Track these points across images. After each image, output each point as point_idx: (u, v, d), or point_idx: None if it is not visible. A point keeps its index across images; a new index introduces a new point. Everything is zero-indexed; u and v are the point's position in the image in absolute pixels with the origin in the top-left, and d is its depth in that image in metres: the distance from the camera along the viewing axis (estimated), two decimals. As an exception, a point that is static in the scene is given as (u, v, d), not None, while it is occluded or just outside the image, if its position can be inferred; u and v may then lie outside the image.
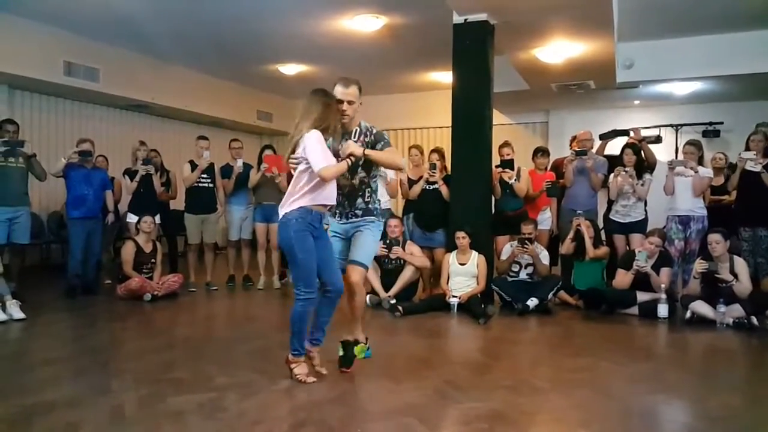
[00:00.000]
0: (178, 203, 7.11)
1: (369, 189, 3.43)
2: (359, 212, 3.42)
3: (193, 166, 6.35)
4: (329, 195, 3.19)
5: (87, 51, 7.49)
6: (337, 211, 3.45)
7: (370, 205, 3.42)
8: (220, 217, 6.68)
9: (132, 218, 6.28)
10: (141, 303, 5.63)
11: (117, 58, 7.87)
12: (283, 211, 3.15)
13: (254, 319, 5.20)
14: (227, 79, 9.76)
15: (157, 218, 6.29)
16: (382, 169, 6.01)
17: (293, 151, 3.16)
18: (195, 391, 3.10)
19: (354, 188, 3.41)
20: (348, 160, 3.21)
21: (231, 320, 5.39)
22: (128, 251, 5.91)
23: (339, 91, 3.31)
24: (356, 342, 3.55)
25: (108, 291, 6.23)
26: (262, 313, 5.48)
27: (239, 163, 6.49)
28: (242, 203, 6.64)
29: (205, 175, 6.35)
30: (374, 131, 3.40)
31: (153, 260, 6.04)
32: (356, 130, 3.39)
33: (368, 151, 3.28)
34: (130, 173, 6.43)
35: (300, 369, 3.24)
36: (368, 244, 3.39)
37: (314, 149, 3.06)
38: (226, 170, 6.57)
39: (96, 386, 3.18)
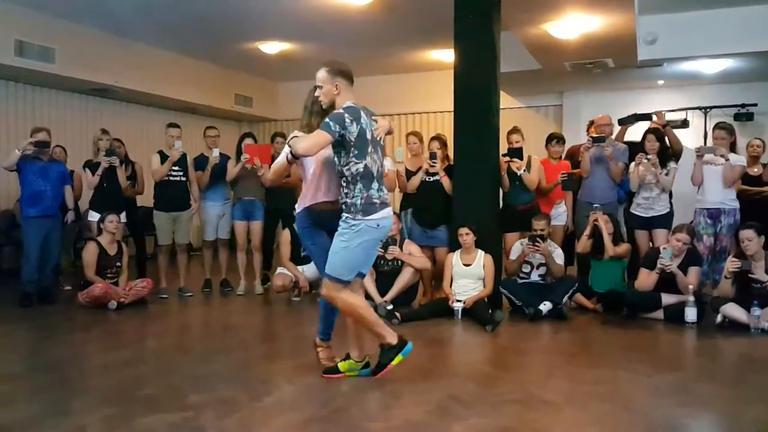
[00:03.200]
0: (146, 199, 7.10)
1: (345, 179, 3.37)
2: (342, 206, 3.44)
3: (163, 157, 6.33)
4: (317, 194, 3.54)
5: (41, 28, 7.44)
6: None
7: (347, 199, 3.36)
8: (194, 214, 6.66)
9: (94, 216, 6.24)
10: (105, 312, 5.60)
11: (75, 36, 7.83)
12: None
13: (233, 329, 5.18)
14: (201, 59, 9.73)
15: (123, 216, 6.25)
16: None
17: None
18: (167, 409, 3.10)
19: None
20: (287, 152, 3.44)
21: (207, 330, 5.39)
22: (90, 254, 5.88)
23: None
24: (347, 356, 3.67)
25: (68, 299, 6.21)
26: (242, 322, 5.47)
27: (215, 153, 6.47)
28: (219, 199, 6.62)
29: (176, 168, 6.33)
30: (329, 115, 3.36)
31: (118, 264, 6.01)
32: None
33: (290, 140, 3.36)
34: (91, 166, 6.40)
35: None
36: (332, 251, 3.36)
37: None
38: (201, 161, 6.55)
39: (56, 406, 3.18)
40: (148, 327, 5.29)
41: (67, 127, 8.54)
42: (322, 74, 3.42)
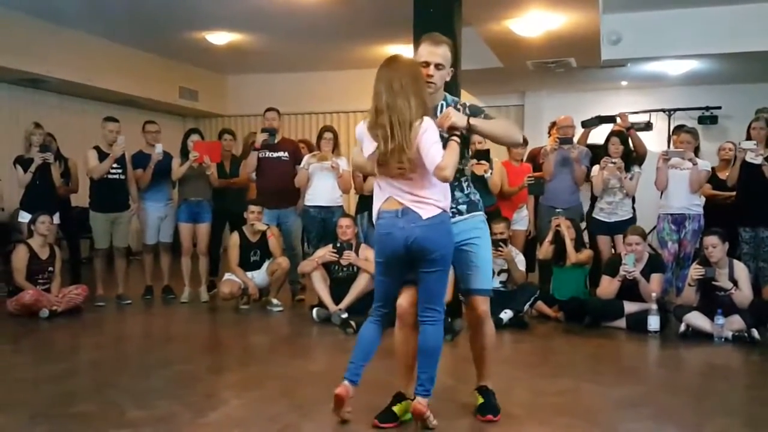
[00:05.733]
0: (81, 199, 6.94)
1: (465, 177, 3.18)
2: (462, 208, 3.14)
3: (101, 153, 6.20)
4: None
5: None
6: None
7: (472, 197, 3.18)
8: (134, 215, 6.55)
9: (25, 217, 6.09)
10: (36, 321, 5.49)
11: (2, 21, 7.59)
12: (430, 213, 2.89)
13: (176, 339, 5.14)
14: (142, 49, 9.56)
15: (56, 217, 6.13)
16: (336, 159, 6.04)
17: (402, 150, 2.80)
18: (103, 427, 3.05)
19: None
20: (455, 137, 2.87)
21: (148, 341, 5.31)
22: (20, 258, 5.76)
23: (425, 50, 2.99)
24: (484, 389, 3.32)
25: (-6, 307, 6.05)
26: (186, 332, 5.42)
27: (159, 149, 6.38)
28: (161, 199, 6.54)
29: (115, 165, 6.21)
30: (467, 104, 3.12)
31: (51, 268, 5.91)
32: (441, 104, 3.08)
33: (475, 121, 2.93)
34: (23, 162, 6.23)
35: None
36: (486, 263, 3.18)
37: (434, 139, 2.82)
38: (140, 159, 6.45)
39: (-22, 425, 3.08)
40: (83, 337, 5.19)
41: (-6, 120, 8.29)
42: (446, 52, 2.99)
